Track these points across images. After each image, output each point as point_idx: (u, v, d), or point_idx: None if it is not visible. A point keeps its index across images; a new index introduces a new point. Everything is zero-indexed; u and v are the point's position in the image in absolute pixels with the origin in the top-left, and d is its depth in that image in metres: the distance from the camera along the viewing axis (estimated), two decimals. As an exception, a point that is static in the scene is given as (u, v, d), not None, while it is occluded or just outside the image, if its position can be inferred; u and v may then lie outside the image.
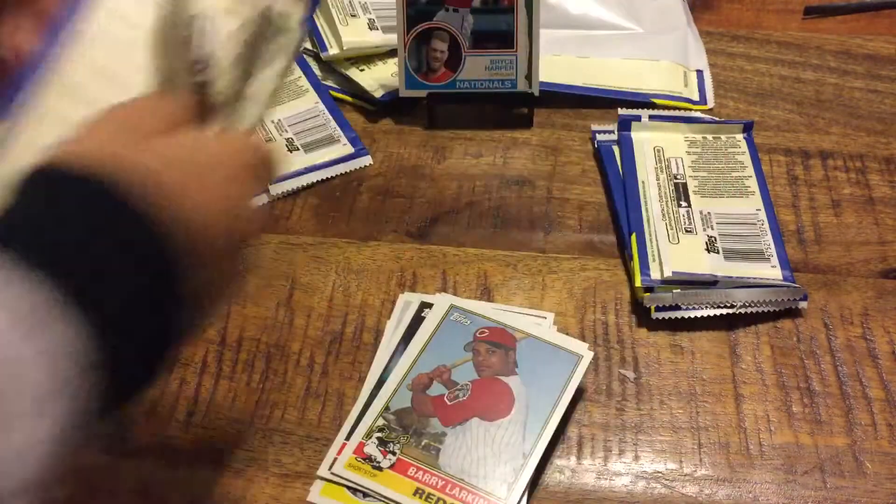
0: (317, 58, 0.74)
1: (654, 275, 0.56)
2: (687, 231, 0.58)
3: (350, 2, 0.74)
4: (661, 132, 0.65)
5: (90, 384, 0.28)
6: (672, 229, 0.58)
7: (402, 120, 0.70)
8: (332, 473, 0.49)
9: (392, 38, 0.69)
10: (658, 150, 0.64)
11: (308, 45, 0.75)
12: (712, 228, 0.59)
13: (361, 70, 0.72)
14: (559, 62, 0.73)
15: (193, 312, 0.33)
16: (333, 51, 0.72)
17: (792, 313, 0.57)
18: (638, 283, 0.56)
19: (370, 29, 0.73)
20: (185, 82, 0.37)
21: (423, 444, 0.49)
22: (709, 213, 0.60)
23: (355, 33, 0.72)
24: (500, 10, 0.65)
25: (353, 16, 0.73)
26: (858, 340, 0.55)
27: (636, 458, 0.50)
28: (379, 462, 0.49)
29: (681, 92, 0.71)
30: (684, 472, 0.50)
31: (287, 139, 0.67)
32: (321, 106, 0.69)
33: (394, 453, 0.49)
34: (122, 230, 0.30)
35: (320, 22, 0.74)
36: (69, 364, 0.27)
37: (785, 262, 0.57)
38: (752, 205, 0.60)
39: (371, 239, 0.62)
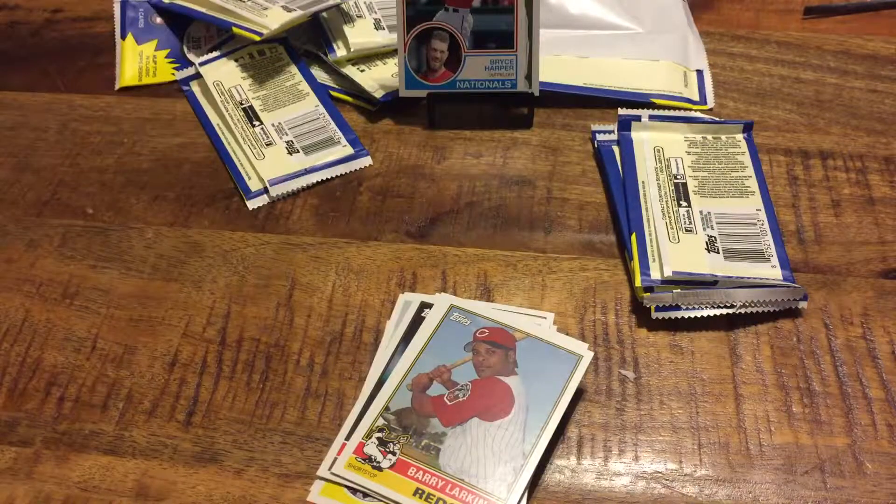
0: (317, 58, 0.74)
1: (654, 275, 0.56)
2: (687, 231, 0.58)
3: (356, 3, 0.74)
4: (661, 132, 0.65)
5: None
6: (672, 229, 0.58)
7: (402, 120, 0.70)
8: (332, 473, 0.49)
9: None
10: (658, 150, 0.64)
11: (311, 48, 0.75)
12: (712, 228, 0.59)
13: (361, 70, 0.72)
14: (559, 62, 0.73)
15: None
16: (341, 52, 0.72)
17: (792, 313, 0.57)
18: (638, 283, 0.56)
19: (376, 29, 0.73)
20: None
21: (423, 444, 0.49)
22: (709, 212, 0.60)
23: (362, 34, 0.72)
24: (500, 10, 0.65)
25: (360, 16, 0.73)
26: (858, 340, 0.55)
27: (636, 458, 0.50)
28: (379, 462, 0.49)
29: (681, 92, 0.71)
30: (684, 472, 0.50)
31: (287, 142, 0.67)
32: (321, 109, 0.69)
33: (394, 453, 0.49)
34: None
35: (326, 24, 0.74)
36: None
37: (785, 262, 0.57)
38: (752, 205, 0.60)
39: (371, 239, 0.62)
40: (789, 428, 0.51)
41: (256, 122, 0.68)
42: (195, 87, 0.73)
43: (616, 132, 0.66)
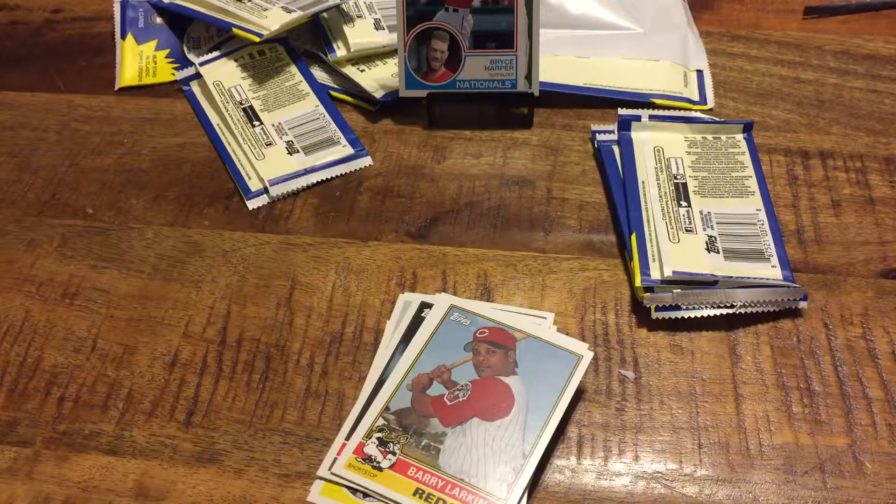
0: (317, 58, 0.74)
1: (654, 275, 0.56)
2: (687, 231, 0.58)
3: (356, 3, 0.74)
4: (661, 132, 0.65)
5: None
6: (672, 229, 0.58)
7: (402, 120, 0.71)
8: (332, 474, 0.49)
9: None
10: (658, 150, 0.64)
11: (311, 48, 0.75)
12: (712, 228, 0.59)
13: (361, 70, 0.72)
14: (559, 62, 0.73)
15: None
16: (341, 52, 0.72)
17: (792, 313, 0.57)
18: (638, 283, 0.56)
19: (376, 29, 0.73)
20: None
21: (423, 444, 0.49)
22: (709, 212, 0.60)
23: (362, 34, 0.72)
24: (500, 10, 0.65)
25: (360, 16, 0.73)
26: (858, 340, 0.55)
27: (636, 458, 0.50)
28: (379, 462, 0.49)
29: (681, 92, 0.71)
30: (684, 472, 0.50)
31: (287, 142, 0.67)
32: (321, 109, 0.69)
33: (394, 453, 0.49)
34: None
35: (326, 24, 0.74)
36: None
37: (785, 262, 0.57)
38: (752, 205, 0.60)
39: (371, 239, 0.62)
40: (789, 428, 0.51)
41: (256, 122, 0.68)
42: (195, 87, 0.73)
43: (616, 132, 0.66)
